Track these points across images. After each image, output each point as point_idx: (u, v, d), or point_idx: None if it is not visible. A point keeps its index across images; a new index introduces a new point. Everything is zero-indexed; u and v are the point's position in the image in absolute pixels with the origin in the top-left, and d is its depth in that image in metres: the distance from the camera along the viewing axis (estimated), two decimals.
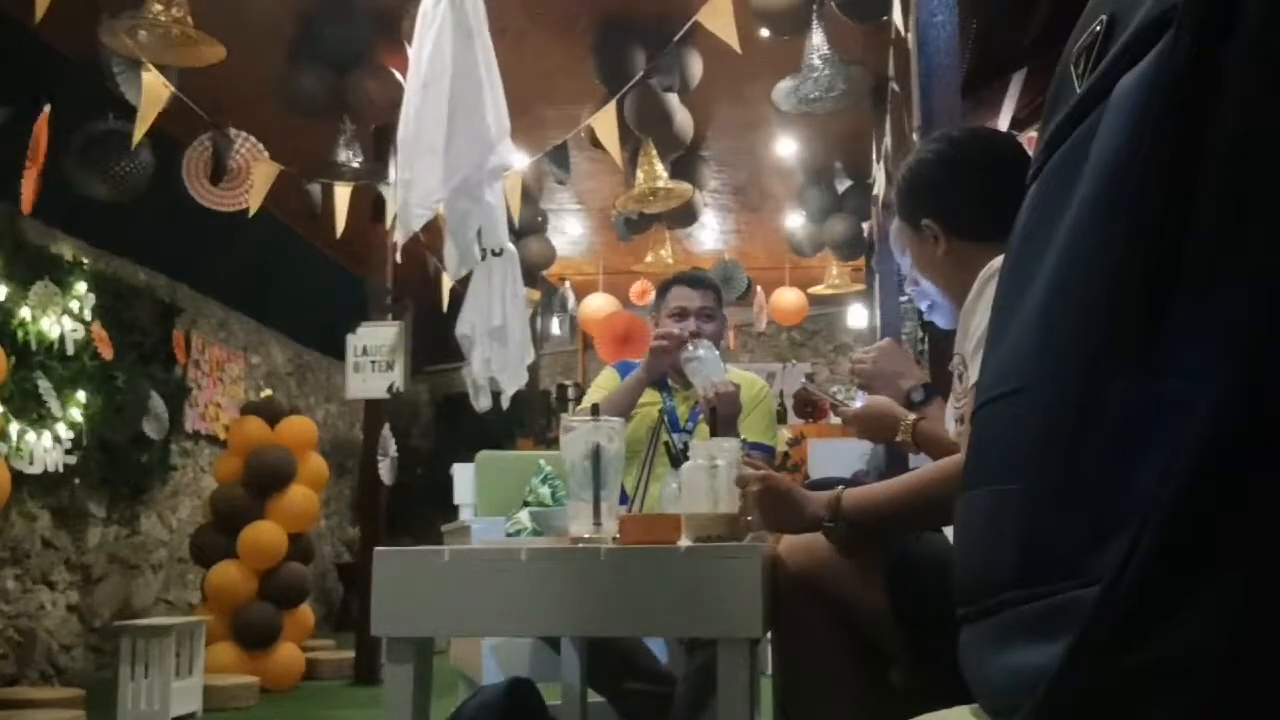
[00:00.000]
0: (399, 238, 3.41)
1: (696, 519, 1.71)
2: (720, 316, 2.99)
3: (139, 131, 4.30)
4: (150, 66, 4.19)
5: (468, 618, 1.72)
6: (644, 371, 2.87)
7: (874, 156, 5.89)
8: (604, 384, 3.01)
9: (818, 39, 4.60)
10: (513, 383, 4.69)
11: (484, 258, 4.21)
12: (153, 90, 4.27)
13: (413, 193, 3.23)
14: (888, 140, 4.99)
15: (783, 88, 4.77)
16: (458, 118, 3.17)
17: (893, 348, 2.15)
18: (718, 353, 2.79)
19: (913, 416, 1.92)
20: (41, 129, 4.38)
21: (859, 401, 2.10)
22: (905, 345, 2.63)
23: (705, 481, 1.74)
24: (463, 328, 4.58)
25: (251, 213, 5.17)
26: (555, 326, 8.09)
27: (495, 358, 4.62)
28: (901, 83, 4.15)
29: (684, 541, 1.71)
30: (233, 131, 5.10)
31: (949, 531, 1.67)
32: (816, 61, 4.57)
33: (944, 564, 1.50)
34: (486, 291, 4.69)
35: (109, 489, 5.95)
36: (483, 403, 4.76)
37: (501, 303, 4.53)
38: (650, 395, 2.93)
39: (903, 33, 3.62)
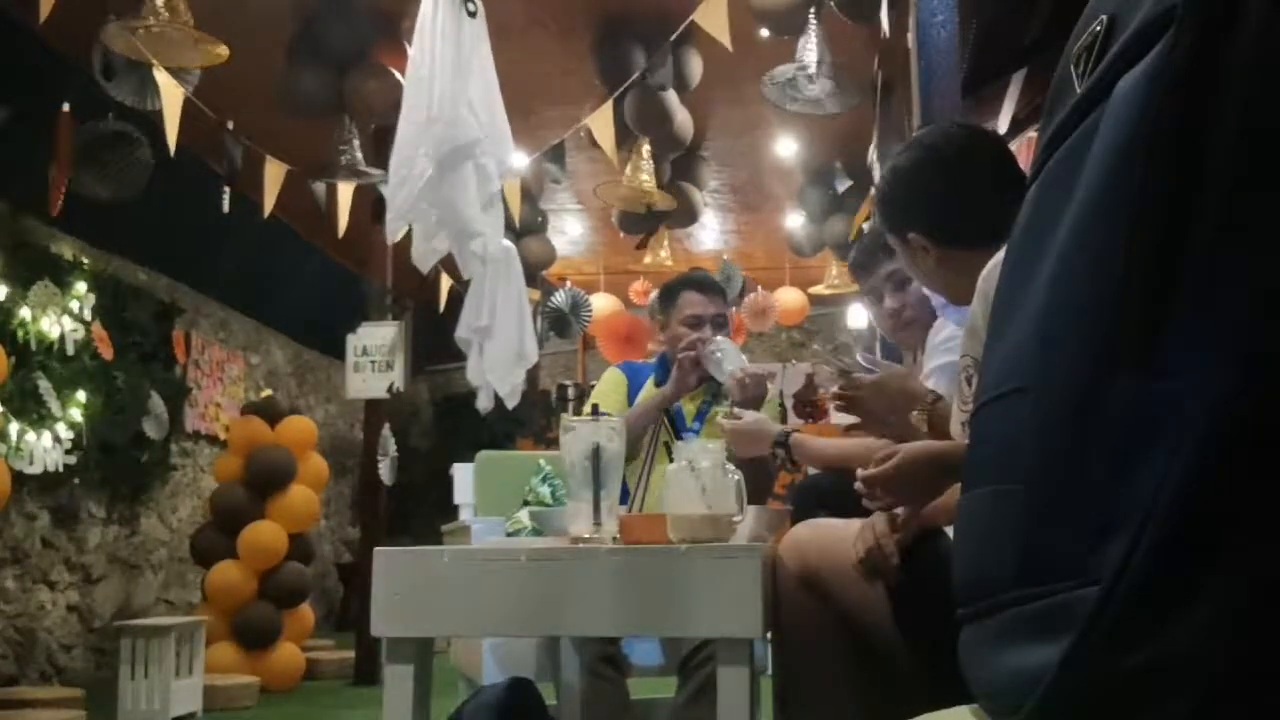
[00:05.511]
0: (389, 238, 3.45)
1: (681, 520, 1.70)
2: (729, 321, 2.99)
3: (170, 136, 4.30)
4: (161, 68, 4.20)
5: (468, 618, 1.72)
6: (672, 389, 2.81)
7: (873, 156, 5.90)
8: (610, 388, 2.98)
9: (812, 40, 4.59)
10: (504, 383, 4.69)
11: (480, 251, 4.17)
12: (168, 92, 4.27)
13: (399, 194, 3.26)
14: (876, 142, 5.01)
15: (773, 82, 4.77)
16: (443, 114, 3.18)
17: (888, 383, 1.93)
18: (735, 346, 2.81)
19: (933, 395, 1.82)
20: (64, 131, 4.42)
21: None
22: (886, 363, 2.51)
23: (689, 483, 1.73)
24: (461, 331, 4.57)
25: (266, 213, 5.17)
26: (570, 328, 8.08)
27: (487, 358, 4.61)
28: (902, 86, 4.15)
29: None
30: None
31: (951, 531, 1.66)
32: (809, 63, 4.57)
33: (946, 564, 1.51)
34: (488, 291, 4.68)
35: (109, 489, 5.95)
36: (484, 403, 4.76)
37: (490, 302, 4.52)
38: (654, 398, 2.91)
39: (886, 33, 3.62)
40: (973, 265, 1.57)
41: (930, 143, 1.78)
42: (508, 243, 4.67)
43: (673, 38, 4.47)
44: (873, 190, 1.87)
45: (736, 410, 2.51)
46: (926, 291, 2.00)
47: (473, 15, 3.29)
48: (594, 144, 5.00)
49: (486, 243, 3.48)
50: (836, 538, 1.71)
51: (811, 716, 1.71)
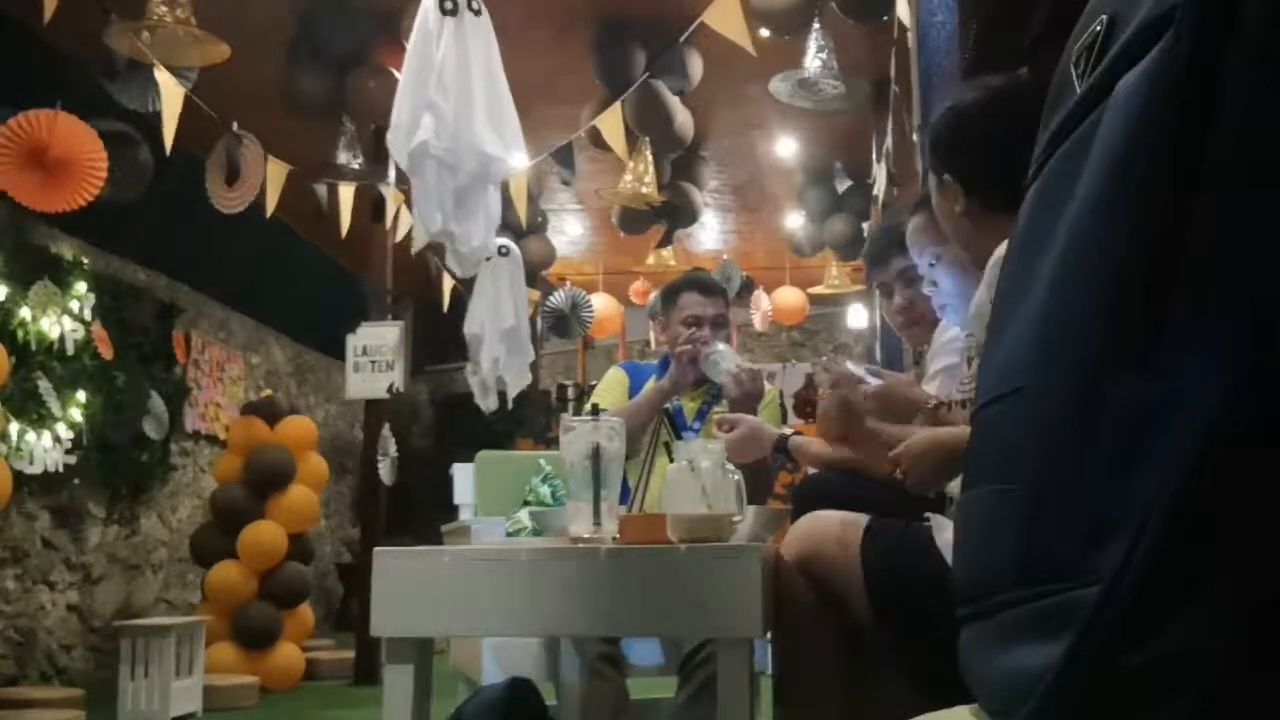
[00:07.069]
0: (413, 246, 3.44)
1: (681, 520, 1.70)
2: (729, 321, 3.00)
3: (167, 136, 4.29)
4: (162, 68, 4.20)
5: (468, 618, 1.72)
6: (669, 383, 2.83)
7: (874, 157, 5.89)
8: (612, 386, 2.99)
9: (817, 42, 4.60)
10: (517, 383, 4.70)
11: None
12: (169, 91, 4.27)
13: (419, 205, 3.24)
14: (889, 141, 4.99)
15: (780, 82, 4.78)
16: (401, 118, 3.15)
17: (890, 390, 1.90)
18: (732, 347, 2.84)
19: (934, 400, 1.80)
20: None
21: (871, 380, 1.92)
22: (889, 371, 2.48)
23: (690, 483, 1.72)
24: (472, 327, 4.55)
25: (268, 214, 5.17)
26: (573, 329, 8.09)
27: (503, 358, 4.61)
28: (901, 83, 4.15)
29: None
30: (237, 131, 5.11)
31: (945, 530, 1.66)
32: (815, 66, 4.57)
33: (944, 564, 1.51)
34: (494, 291, 4.68)
35: (109, 489, 5.95)
36: (490, 403, 4.76)
37: (513, 304, 4.52)
38: (652, 391, 2.92)
39: (908, 29, 3.62)
40: (1000, 230, 1.54)
41: (1002, 88, 1.66)
42: (509, 243, 4.68)
43: (682, 39, 4.46)
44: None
45: (729, 416, 2.52)
46: (927, 292, 2.00)
47: (450, 13, 3.23)
48: (595, 144, 5.00)
49: (470, 241, 3.43)
50: (833, 536, 1.71)
51: (811, 716, 1.71)
